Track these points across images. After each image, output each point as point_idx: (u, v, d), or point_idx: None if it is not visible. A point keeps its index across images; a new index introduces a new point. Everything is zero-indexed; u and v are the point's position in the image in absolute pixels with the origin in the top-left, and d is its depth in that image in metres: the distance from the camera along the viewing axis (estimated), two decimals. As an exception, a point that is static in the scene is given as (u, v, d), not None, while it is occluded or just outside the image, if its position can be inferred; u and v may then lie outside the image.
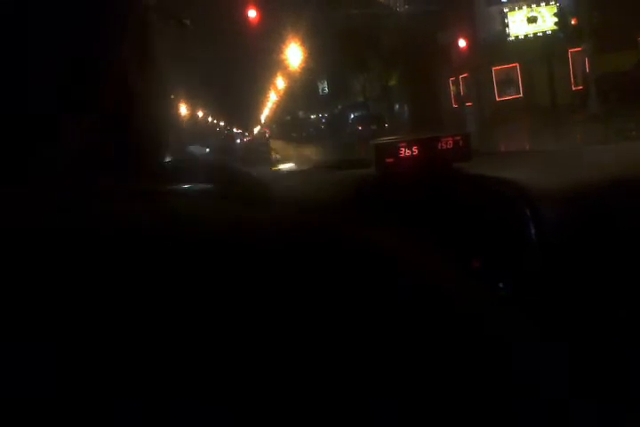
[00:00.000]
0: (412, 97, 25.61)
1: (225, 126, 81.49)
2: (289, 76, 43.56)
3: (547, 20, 20.32)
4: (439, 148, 1.16)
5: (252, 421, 0.18)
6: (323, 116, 43.72)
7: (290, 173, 1.81)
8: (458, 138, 1.17)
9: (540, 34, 20.71)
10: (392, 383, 0.19)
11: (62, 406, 0.17)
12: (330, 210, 1.07)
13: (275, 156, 22.67)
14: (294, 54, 31.89)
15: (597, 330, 0.98)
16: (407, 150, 1.15)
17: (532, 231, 1.03)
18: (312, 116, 49.05)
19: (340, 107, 34.89)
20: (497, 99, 21.67)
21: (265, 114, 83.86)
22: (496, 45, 20.70)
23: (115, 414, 0.17)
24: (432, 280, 0.23)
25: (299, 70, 35.19)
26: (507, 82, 21.53)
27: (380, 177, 1.18)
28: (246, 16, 21.33)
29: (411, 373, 0.20)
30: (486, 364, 0.21)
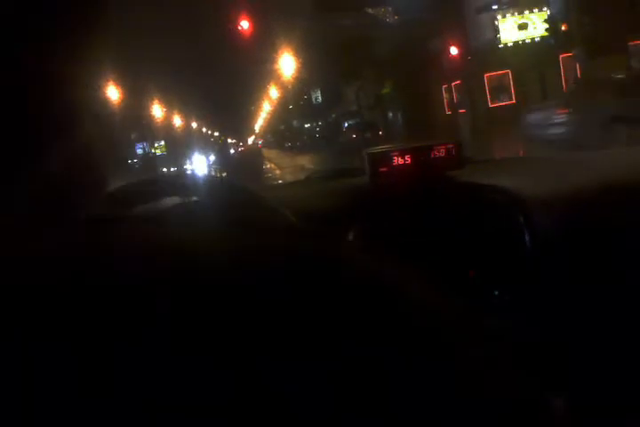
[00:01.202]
0: (405, 105, 25.66)
1: (219, 136, 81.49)
2: (282, 85, 43.64)
3: (537, 27, 20.41)
4: (432, 156, 1.17)
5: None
6: (317, 125, 43.78)
7: (285, 183, 1.81)
8: (450, 146, 1.17)
9: (531, 40, 20.82)
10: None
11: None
12: (327, 223, 1.07)
13: (268, 165, 22.77)
14: (287, 64, 31.99)
15: (595, 333, 0.98)
16: (400, 159, 1.16)
17: (527, 238, 1.03)
18: (306, 125, 49.08)
19: (333, 115, 34.94)
20: (490, 105, 21.74)
21: (259, 124, 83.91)
22: (488, 52, 20.78)
23: None
24: (431, 310, 0.24)
25: (292, 80, 35.28)
26: (499, 88, 21.60)
27: (374, 186, 1.18)
28: (239, 27, 21.40)
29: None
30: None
